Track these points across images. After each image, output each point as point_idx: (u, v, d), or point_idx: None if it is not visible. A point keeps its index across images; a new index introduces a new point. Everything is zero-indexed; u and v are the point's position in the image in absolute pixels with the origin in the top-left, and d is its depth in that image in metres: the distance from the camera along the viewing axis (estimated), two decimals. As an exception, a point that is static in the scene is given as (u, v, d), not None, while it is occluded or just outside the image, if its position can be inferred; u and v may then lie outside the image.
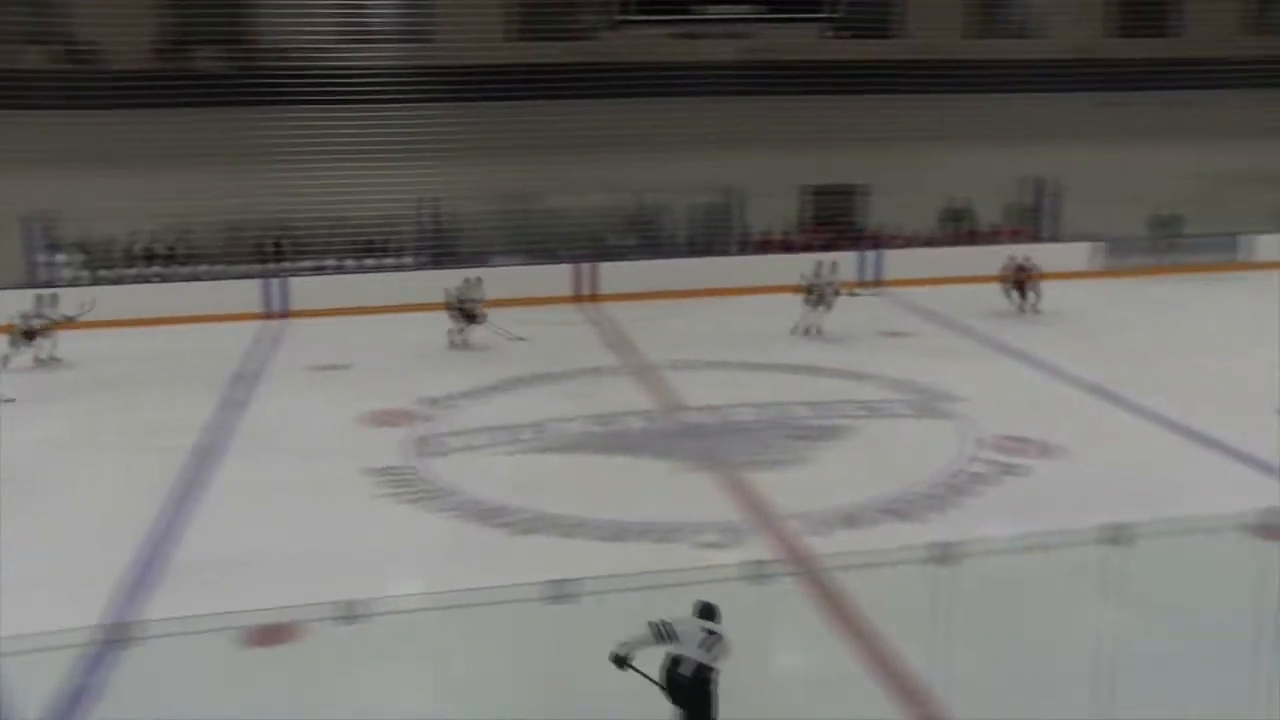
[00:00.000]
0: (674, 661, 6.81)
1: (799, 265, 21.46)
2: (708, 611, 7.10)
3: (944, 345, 19.40)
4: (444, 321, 20.24)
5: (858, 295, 21.37)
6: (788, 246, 26.08)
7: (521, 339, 20.04)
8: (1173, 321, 21.72)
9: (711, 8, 24.87)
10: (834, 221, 26.98)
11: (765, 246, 26.17)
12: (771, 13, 25.18)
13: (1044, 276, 22.19)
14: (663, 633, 6.78)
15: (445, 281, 20.63)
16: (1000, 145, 26.29)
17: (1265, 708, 7.48)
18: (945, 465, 13.63)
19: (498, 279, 21.74)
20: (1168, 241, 27.11)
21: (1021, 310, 21.90)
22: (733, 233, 26.35)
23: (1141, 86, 26.43)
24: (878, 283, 24.98)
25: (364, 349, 20.10)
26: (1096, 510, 9.10)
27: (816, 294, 20.48)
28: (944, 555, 7.08)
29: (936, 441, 14.60)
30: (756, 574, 6.63)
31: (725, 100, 24.73)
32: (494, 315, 20.24)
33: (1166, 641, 9.13)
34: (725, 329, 21.27)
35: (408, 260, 24.82)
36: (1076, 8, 27.58)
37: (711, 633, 6.93)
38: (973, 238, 27.16)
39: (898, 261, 25.74)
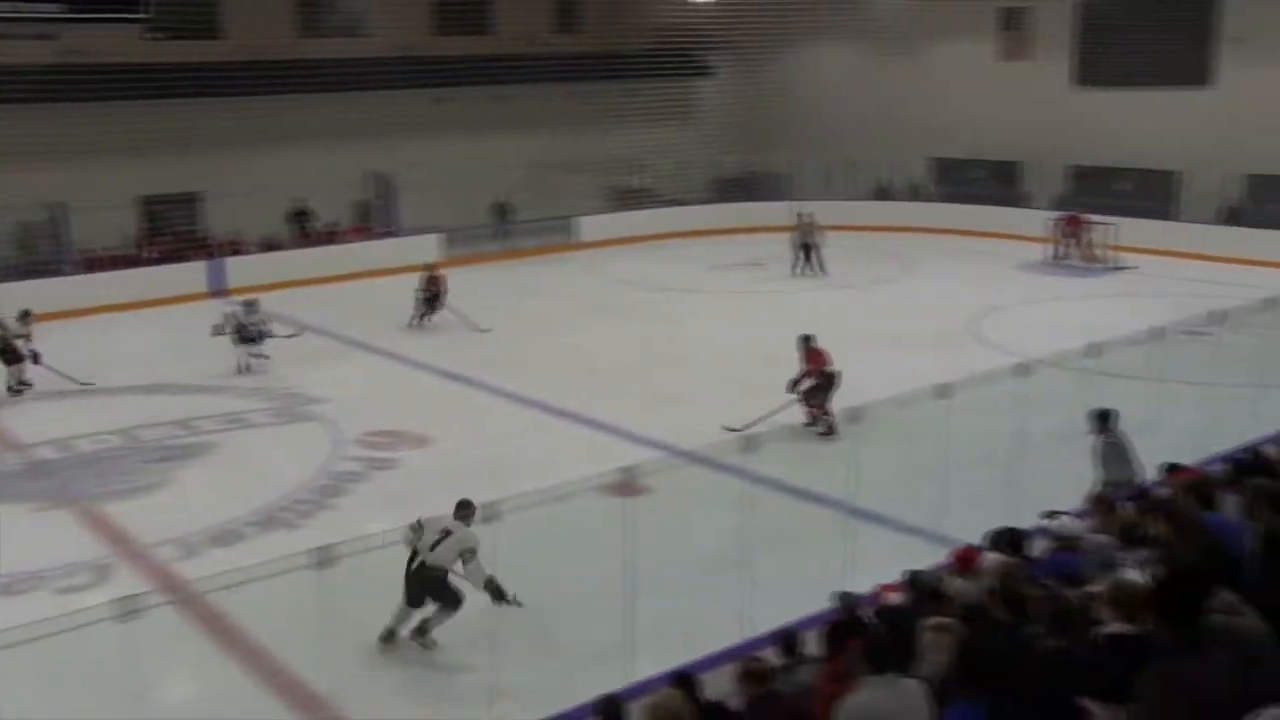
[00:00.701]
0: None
1: (145, 280, 20.11)
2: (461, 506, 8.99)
3: (306, 349, 19.13)
4: None
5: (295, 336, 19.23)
6: (129, 261, 24.34)
7: None
8: (517, 303, 23.04)
9: (6, 4, 22.32)
10: (174, 232, 25.51)
11: (99, 264, 24.12)
12: (77, 12, 23.11)
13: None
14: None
15: None
16: (338, 144, 26.41)
17: (629, 662, 8.09)
18: (315, 469, 13.45)
19: None
20: (505, 228, 28.80)
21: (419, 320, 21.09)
22: (63, 251, 23.97)
23: (466, 81, 27.68)
24: (225, 292, 23.87)
25: None
26: (469, 491, 9.38)
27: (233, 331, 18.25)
28: (323, 559, 6.88)
29: (304, 446, 14.36)
30: (128, 610, 6.03)
31: (39, 108, 22.34)
32: None
33: (546, 602, 9.68)
34: (62, 356, 19.33)
35: None
36: (399, 6, 28.26)
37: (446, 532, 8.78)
38: (322, 238, 27.06)
39: (243, 268, 24.82)
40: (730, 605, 8.63)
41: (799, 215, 25.56)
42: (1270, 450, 8.78)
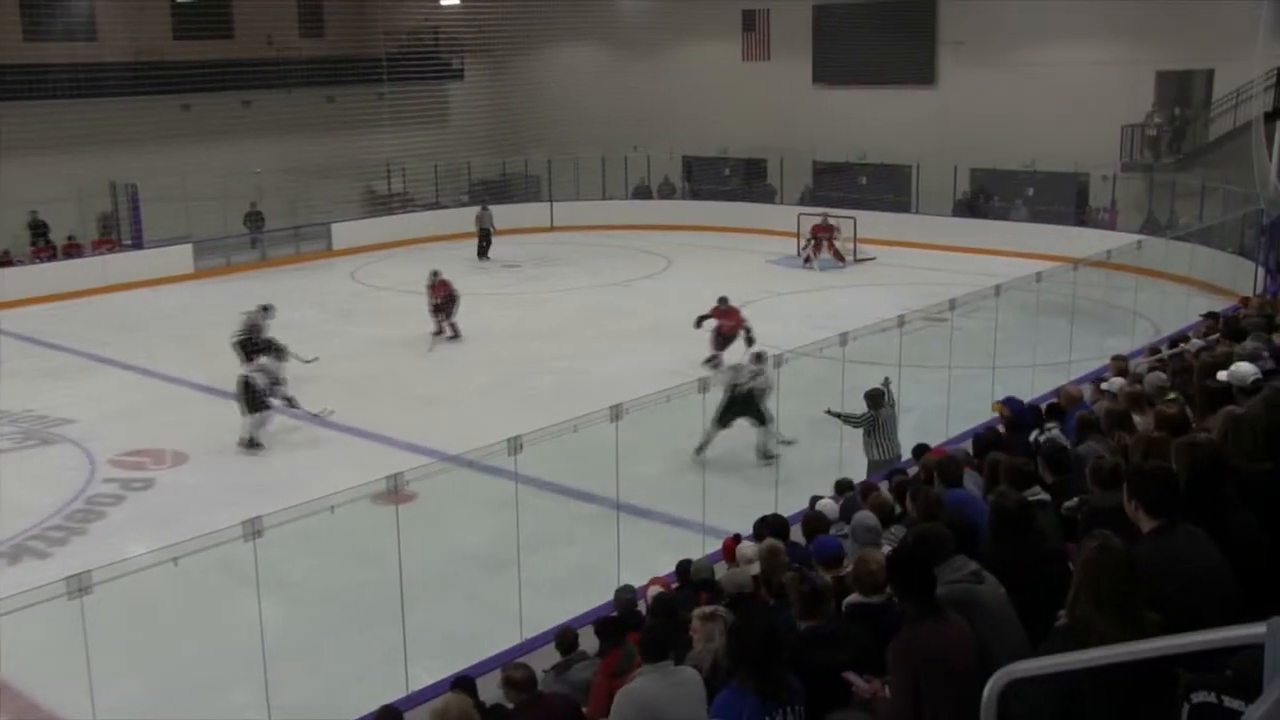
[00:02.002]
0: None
1: None
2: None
3: (48, 366, 18.05)
4: None
5: None
6: None
7: None
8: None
9: None
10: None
11: None
12: None
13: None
14: None
15: None
16: (79, 153, 24.91)
17: (405, 671, 8.01)
18: (67, 494, 12.75)
19: None
20: (259, 237, 27.87)
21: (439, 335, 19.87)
22: None
23: (209, 87, 26.62)
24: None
25: None
26: (235, 509, 9.06)
27: None
28: (81, 586, 6.54)
29: (52, 470, 13.59)
30: None
31: None
32: None
33: (318, 617, 9.47)
34: None
35: None
36: (134, 10, 26.90)
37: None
38: (63, 251, 25.48)
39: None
40: (505, 607, 8.66)
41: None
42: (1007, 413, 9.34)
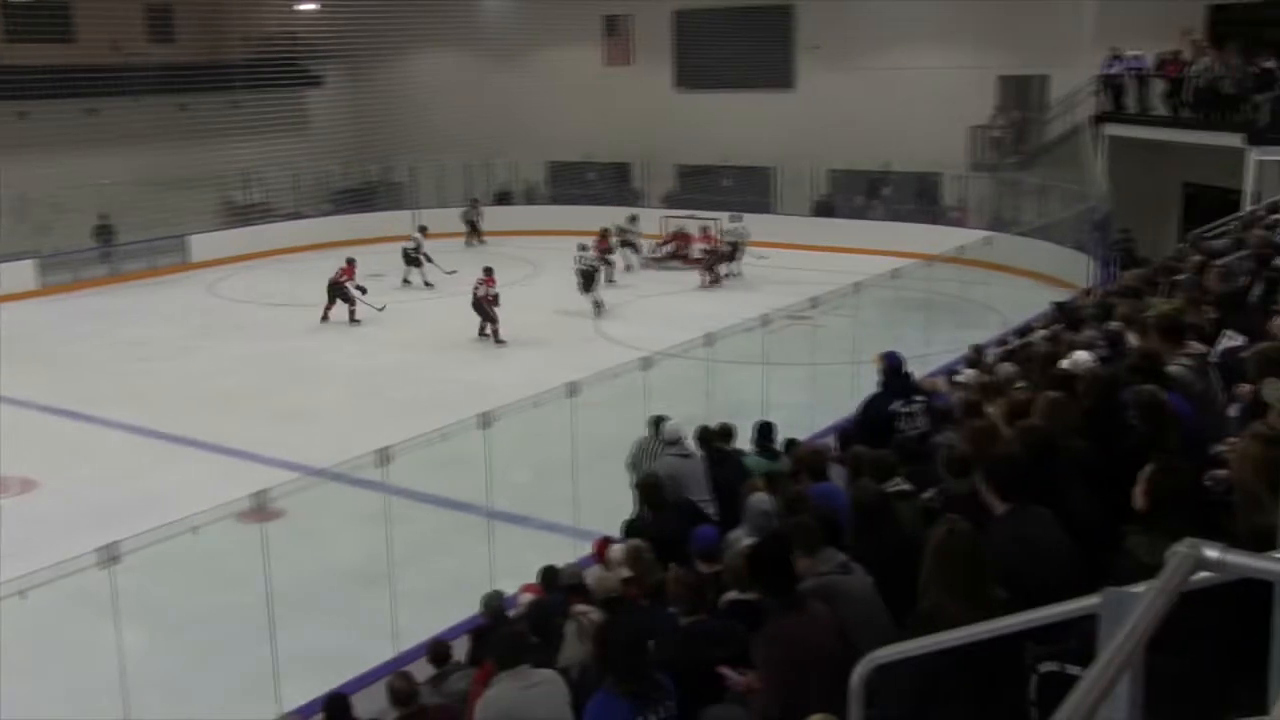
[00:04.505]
0: None
1: None
2: None
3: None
4: None
5: None
6: None
7: None
8: (127, 331, 21.63)
9: None
10: None
11: None
12: None
13: None
14: None
15: None
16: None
17: (276, 692, 7.89)
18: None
19: None
20: (109, 251, 26.98)
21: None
22: None
23: (49, 94, 25.51)
24: None
25: None
26: (87, 534, 8.76)
27: None
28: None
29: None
30: None
31: None
32: None
33: (183, 643, 9.25)
34: None
35: None
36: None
37: None
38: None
39: None
40: (378, 622, 8.58)
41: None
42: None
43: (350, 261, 21.84)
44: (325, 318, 21.19)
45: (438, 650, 7.17)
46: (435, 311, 22.08)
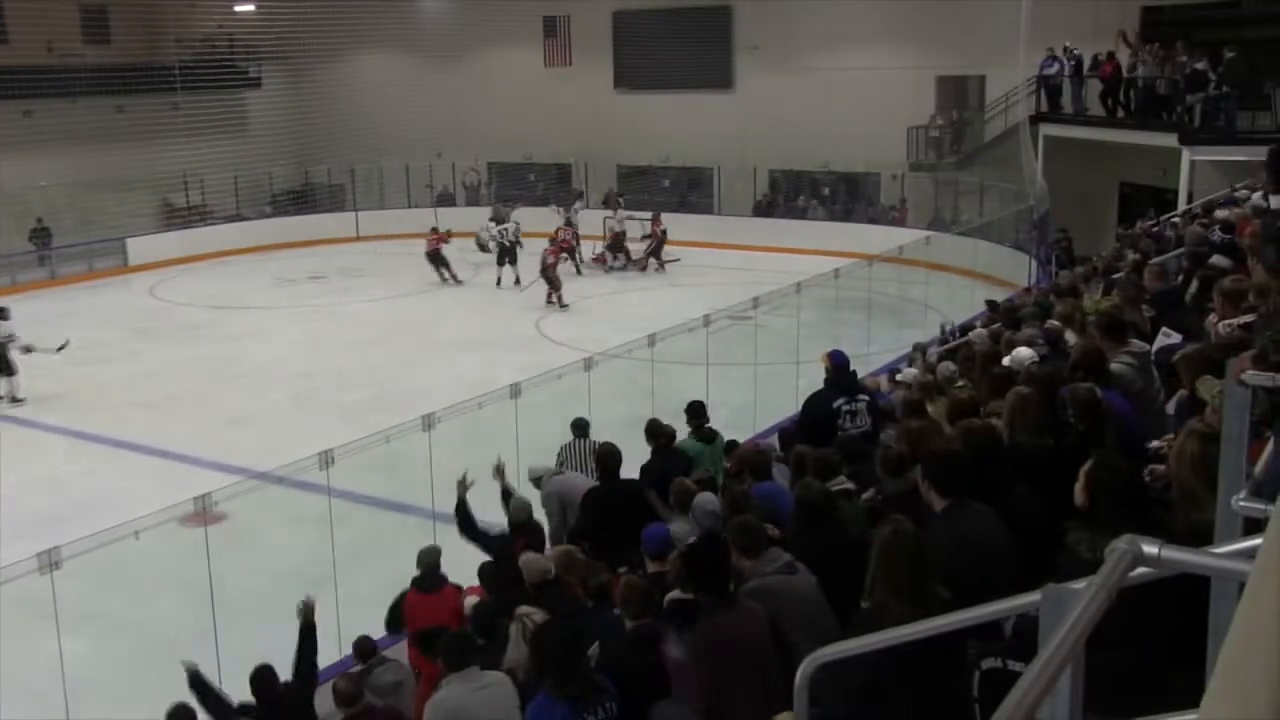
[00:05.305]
0: None
1: None
2: None
3: None
4: None
5: None
6: None
7: None
8: (65, 335, 21.24)
9: None
10: None
11: None
12: None
13: None
14: None
15: None
16: None
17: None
18: None
19: None
20: (46, 254, 26.54)
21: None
22: None
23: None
24: None
25: None
26: (27, 542, 8.63)
27: None
28: None
29: None
30: None
31: None
32: None
33: (125, 647, 9.13)
34: None
35: None
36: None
37: None
38: None
39: None
40: (323, 624, 8.52)
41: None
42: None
43: (434, 230, 24.58)
44: (450, 279, 24.39)
45: (361, 646, 7.25)
46: (379, 313, 21.96)
